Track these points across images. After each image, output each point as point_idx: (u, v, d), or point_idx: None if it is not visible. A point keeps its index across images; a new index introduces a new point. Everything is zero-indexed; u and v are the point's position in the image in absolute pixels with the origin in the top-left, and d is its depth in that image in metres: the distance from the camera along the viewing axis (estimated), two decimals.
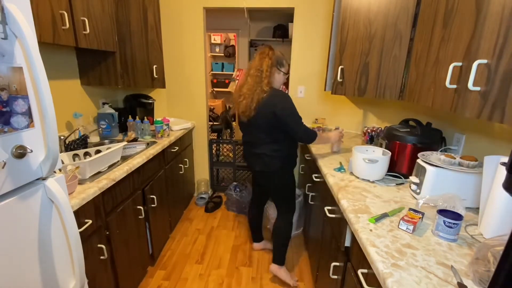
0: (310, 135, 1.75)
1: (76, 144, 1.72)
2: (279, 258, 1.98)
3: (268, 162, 1.80)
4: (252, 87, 1.70)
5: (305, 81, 2.77)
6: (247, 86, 1.74)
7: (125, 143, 1.94)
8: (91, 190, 1.27)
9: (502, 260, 0.49)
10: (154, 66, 2.38)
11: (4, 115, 0.78)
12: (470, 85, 0.86)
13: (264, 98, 1.66)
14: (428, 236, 0.98)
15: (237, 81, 2.25)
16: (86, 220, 1.24)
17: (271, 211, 2.48)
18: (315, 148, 2.03)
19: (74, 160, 1.61)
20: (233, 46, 5.09)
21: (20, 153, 0.82)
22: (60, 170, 1.02)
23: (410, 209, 1.08)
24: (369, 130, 2.18)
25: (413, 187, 1.27)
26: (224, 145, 3.26)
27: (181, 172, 2.61)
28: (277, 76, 1.75)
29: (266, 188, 2.07)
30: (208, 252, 2.28)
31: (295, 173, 1.95)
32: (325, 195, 1.59)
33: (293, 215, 2.00)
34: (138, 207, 1.76)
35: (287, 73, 1.83)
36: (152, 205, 1.95)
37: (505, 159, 0.88)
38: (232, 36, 5.13)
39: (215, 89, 5.31)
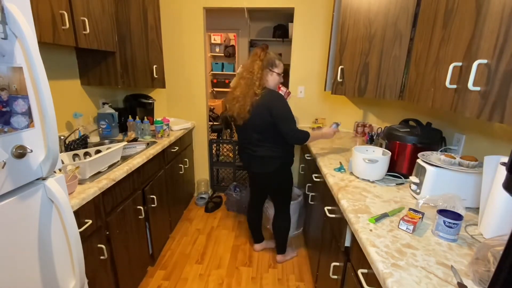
0: (301, 136, 1.72)
1: (76, 144, 1.72)
2: (282, 249, 2.16)
3: (267, 162, 1.80)
4: (245, 90, 1.71)
5: (305, 81, 2.77)
6: (240, 89, 1.74)
7: (125, 143, 1.94)
8: (91, 190, 1.27)
9: (502, 260, 0.49)
10: (154, 66, 2.38)
11: (4, 115, 0.78)
12: (470, 85, 0.86)
13: (258, 100, 1.67)
14: (428, 236, 0.98)
15: None
16: (86, 220, 1.24)
17: (270, 211, 2.48)
18: (315, 148, 2.03)
19: (74, 160, 1.61)
20: (233, 46, 5.09)
21: (20, 153, 0.82)
22: (60, 170, 1.02)
23: (410, 209, 1.08)
24: (359, 125, 2.18)
25: (413, 187, 1.26)
26: (224, 145, 3.26)
27: (181, 172, 2.61)
28: (270, 77, 1.75)
29: (265, 189, 2.08)
30: (208, 252, 2.28)
31: (294, 172, 1.96)
32: (325, 195, 1.59)
33: (289, 207, 2.07)
34: (138, 207, 1.76)
35: (281, 73, 1.80)
36: (152, 205, 1.95)
37: (505, 159, 0.88)
38: (232, 36, 5.13)
39: (215, 89, 5.31)
